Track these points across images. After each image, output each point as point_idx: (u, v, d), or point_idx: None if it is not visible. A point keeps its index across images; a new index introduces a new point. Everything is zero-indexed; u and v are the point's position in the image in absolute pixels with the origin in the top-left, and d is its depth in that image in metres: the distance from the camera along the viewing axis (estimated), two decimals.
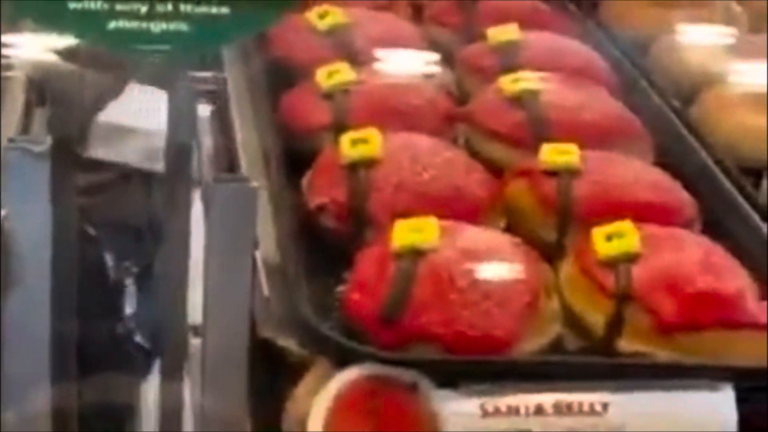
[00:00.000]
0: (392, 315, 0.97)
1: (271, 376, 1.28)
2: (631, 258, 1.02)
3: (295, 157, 1.19)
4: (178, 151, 1.19)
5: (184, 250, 1.15)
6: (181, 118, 1.09)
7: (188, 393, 1.25)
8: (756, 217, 1.17)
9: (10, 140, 1.02)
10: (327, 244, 1.10)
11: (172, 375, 1.25)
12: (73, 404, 1.20)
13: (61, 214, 1.03)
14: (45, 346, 1.03)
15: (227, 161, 1.12)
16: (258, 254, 1.03)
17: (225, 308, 1.01)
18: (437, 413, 0.94)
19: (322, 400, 0.94)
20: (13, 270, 1.05)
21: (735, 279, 1.02)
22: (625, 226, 1.04)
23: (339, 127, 1.17)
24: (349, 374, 0.95)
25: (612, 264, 1.01)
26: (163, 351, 1.39)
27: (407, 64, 1.32)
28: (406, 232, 1.01)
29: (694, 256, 1.03)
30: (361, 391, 0.94)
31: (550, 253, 1.09)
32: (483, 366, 0.95)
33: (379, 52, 1.32)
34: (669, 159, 1.24)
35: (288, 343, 1.00)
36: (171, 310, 1.20)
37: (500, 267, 1.00)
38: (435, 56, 1.36)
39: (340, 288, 1.04)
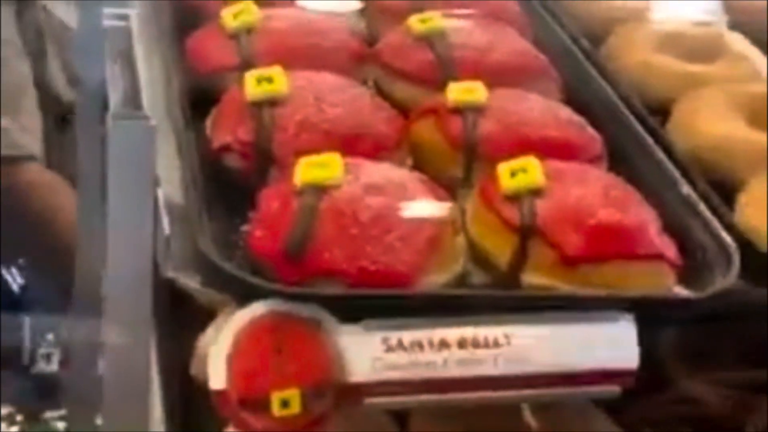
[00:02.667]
0: (295, 251, 0.96)
1: (180, 322, 1.28)
2: (534, 192, 1.02)
3: (200, 98, 1.17)
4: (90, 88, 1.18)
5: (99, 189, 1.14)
6: (89, 53, 1.07)
7: None
8: (662, 155, 1.18)
9: None
10: (231, 184, 1.09)
11: (85, 313, 1.25)
12: None
13: None
14: None
15: (130, 99, 1.11)
16: (160, 193, 1.02)
17: (126, 246, 0.99)
18: (341, 348, 0.94)
19: (224, 336, 0.94)
20: None
21: (637, 212, 1.03)
22: (530, 161, 1.04)
23: (245, 68, 1.15)
24: (252, 311, 0.94)
25: (516, 198, 1.01)
26: (77, 293, 1.39)
27: (315, 5, 1.31)
28: (309, 169, 1.00)
29: (598, 190, 1.04)
30: (264, 328, 0.93)
31: (456, 191, 1.09)
32: (385, 300, 0.95)
33: None
34: (577, 98, 1.24)
35: (191, 282, 0.99)
36: (86, 249, 1.19)
37: (404, 202, 1.00)
38: None
39: (245, 227, 1.04)
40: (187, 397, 1.22)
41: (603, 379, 0.97)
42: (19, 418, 1.85)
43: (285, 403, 0.92)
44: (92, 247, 1.52)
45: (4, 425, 1.86)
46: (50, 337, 1.90)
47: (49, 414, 1.87)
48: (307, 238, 0.97)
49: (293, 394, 0.92)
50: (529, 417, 1.14)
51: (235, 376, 0.92)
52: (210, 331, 1.21)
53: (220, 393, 0.93)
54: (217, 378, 0.93)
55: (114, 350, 1.04)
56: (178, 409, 1.21)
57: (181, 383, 1.25)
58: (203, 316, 1.25)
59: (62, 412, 1.85)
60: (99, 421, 1.70)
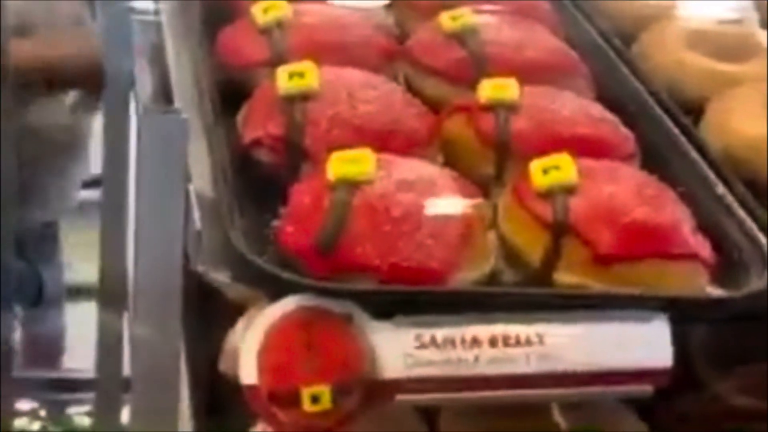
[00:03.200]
0: (327, 246, 0.96)
1: (211, 317, 1.27)
2: (568, 189, 1.01)
3: (231, 93, 1.17)
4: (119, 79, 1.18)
5: (124, 181, 1.14)
6: (119, 47, 1.07)
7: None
8: (695, 154, 1.17)
9: None
10: (262, 179, 1.09)
11: (111, 308, 1.24)
12: None
13: None
14: None
15: (161, 94, 1.11)
16: (191, 188, 1.01)
17: (157, 240, 0.99)
18: (372, 344, 0.93)
19: (255, 331, 0.93)
20: None
21: (671, 211, 1.02)
22: (563, 158, 1.03)
23: (275, 63, 1.15)
24: (283, 306, 0.94)
25: (549, 195, 1.01)
26: (102, 286, 1.39)
27: (345, 1, 1.31)
28: (342, 164, 1.00)
29: (631, 188, 1.03)
30: (295, 323, 0.93)
31: (488, 189, 1.08)
32: (418, 296, 0.95)
33: None
34: (609, 97, 1.23)
35: (221, 276, 0.98)
36: (111, 244, 1.19)
37: (436, 199, 0.99)
38: None
39: (276, 222, 1.03)
40: (215, 392, 1.22)
41: (636, 378, 0.96)
42: (42, 413, 1.86)
43: (315, 399, 0.91)
44: (115, 242, 1.52)
45: (26, 421, 1.86)
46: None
47: (73, 410, 1.87)
48: (338, 234, 0.96)
49: (324, 389, 0.91)
50: (558, 416, 1.13)
51: (265, 371, 0.92)
52: (239, 326, 1.21)
53: (251, 388, 0.92)
54: (247, 372, 0.92)
55: (143, 345, 1.04)
56: (206, 405, 1.20)
57: (210, 379, 1.24)
58: (232, 312, 1.24)
59: (87, 407, 1.85)
60: (124, 417, 1.70)
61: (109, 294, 1.50)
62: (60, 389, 1.88)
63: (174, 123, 0.99)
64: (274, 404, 0.92)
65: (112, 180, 1.51)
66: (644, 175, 1.07)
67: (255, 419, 1.17)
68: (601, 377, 0.95)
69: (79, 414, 1.86)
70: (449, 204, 0.99)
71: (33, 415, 1.86)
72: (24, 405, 1.83)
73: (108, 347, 1.66)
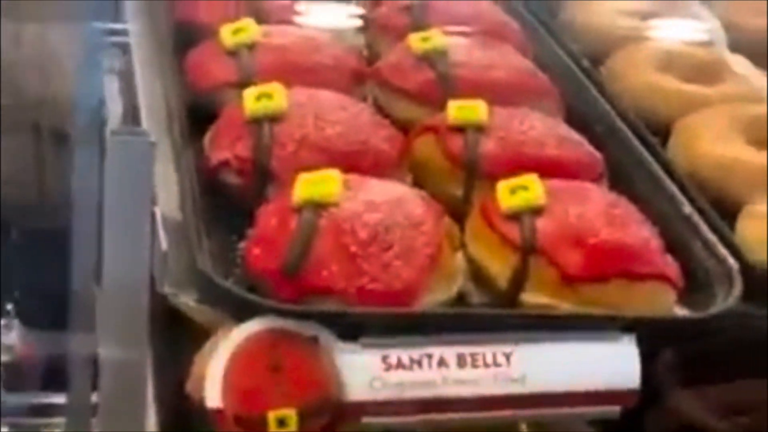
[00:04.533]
0: (293, 269, 0.95)
1: (178, 340, 1.26)
2: (535, 210, 1.01)
3: (198, 115, 1.17)
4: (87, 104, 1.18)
5: (94, 208, 1.13)
6: (87, 70, 1.07)
7: None
8: (662, 174, 1.17)
9: None
10: (229, 201, 1.08)
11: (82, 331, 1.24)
12: None
13: None
14: None
15: (128, 116, 1.10)
16: (157, 210, 1.01)
17: (123, 262, 0.98)
18: (339, 366, 0.93)
19: (221, 354, 0.93)
20: None
21: (639, 231, 1.02)
22: (530, 179, 1.03)
23: (243, 84, 1.15)
24: (249, 327, 0.93)
25: (516, 216, 1.01)
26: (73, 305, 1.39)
27: (316, 23, 1.31)
28: (308, 186, 1.00)
29: (599, 209, 1.03)
30: (261, 345, 0.92)
31: (456, 210, 1.08)
32: (384, 318, 0.94)
33: (288, 12, 1.31)
34: (578, 118, 1.23)
35: (187, 299, 0.98)
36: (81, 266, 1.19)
37: (403, 220, 0.99)
38: (345, 16, 1.35)
39: (242, 244, 1.03)
40: (182, 416, 1.21)
41: (603, 399, 0.96)
42: None
43: (282, 422, 0.91)
44: (86, 264, 1.52)
45: None
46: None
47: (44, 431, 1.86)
48: (304, 256, 0.96)
49: (290, 413, 0.91)
50: None
51: (231, 394, 0.91)
52: (206, 349, 1.20)
53: (217, 411, 0.92)
54: (213, 396, 0.92)
55: (110, 366, 1.03)
56: (173, 428, 1.19)
57: (176, 402, 1.24)
58: (200, 335, 1.24)
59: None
60: None
61: (79, 314, 1.50)
62: (33, 414, 1.87)
63: (140, 145, 0.99)
64: (240, 427, 0.91)
65: (82, 202, 1.51)
66: (612, 195, 1.07)
67: None
68: (569, 398, 0.95)
69: None
70: (416, 225, 0.99)
71: None
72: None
73: (79, 370, 1.66)
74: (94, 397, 1.63)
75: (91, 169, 1.42)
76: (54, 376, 1.83)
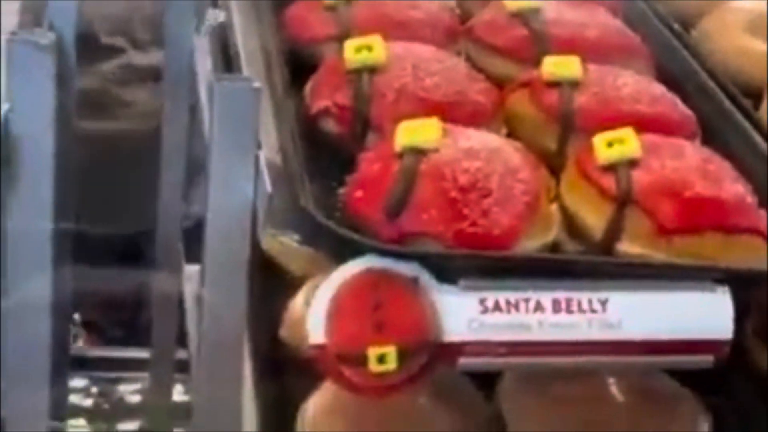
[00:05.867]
0: (394, 211, 0.97)
1: (269, 292, 1.29)
2: (631, 162, 1.02)
3: (297, 67, 1.20)
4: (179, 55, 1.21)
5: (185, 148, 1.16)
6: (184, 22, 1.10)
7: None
8: (756, 136, 1.18)
9: (13, 33, 1.02)
10: (327, 150, 1.11)
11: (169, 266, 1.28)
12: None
13: (63, 109, 1.03)
14: (47, 240, 1.04)
15: (229, 64, 1.13)
16: (261, 153, 1.04)
17: (228, 206, 1.01)
18: (437, 307, 0.95)
19: (324, 292, 0.95)
20: (14, 167, 1.06)
21: (734, 186, 1.03)
22: (626, 132, 1.04)
23: (341, 38, 1.17)
24: (352, 267, 0.95)
25: (612, 168, 1.02)
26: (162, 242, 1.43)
27: None
28: (409, 133, 1.02)
29: (694, 163, 1.04)
30: (363, 285, 0.94)
31: (549, 163, 1.10)
32: (484, 261, 0.96)
33: None
34: (669, 79, 1.24)
35: (290, 240, 1.00)
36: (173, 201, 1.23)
37: (501, 167, 1.01)
38: None
39: (342, 190, 1.05)
40: (275, 360, 1.24)
41: (697, 348, 0.97)
42: (94, 390, 1.88)
43: (382, 359, 0.93)
44: (172, 212, 1.55)
45: (78, 398, 1.88)
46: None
47: (123, 387, 1.89)
48: (406, 199, 0.98)
49: (390, 350, 0.93)
50: (615, 388, 1.15)
51: (333, 332, 0.93)
52: (301, 295, 1.23)
53: (319, 348, 0.94)
54: (316, 333, 0.94)
55: (210, 309, 1.05)
56: (266, 371, 1.22)
57: (269, 348, 1.27)
58: (290, 284, 1.27)
59: (137, 386, 1.88)
60: (176, 393, 1.73)
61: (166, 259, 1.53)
62: (112, 368, 1.91)
63: (246, 90, 1.01)
64: (341, 364, 0.94)
65: (170, 154, 1.54)
66: (707, 151, 1.08)
67: (313, 386, 1.19)
68: (663, 346, 0.96)
69: (130, 392, 1.89)
70: (514, 173, 1.01)
71: (86, 392, 1.89)
72: (77, 382, 1.86)
73: (163, 325, 1.70)
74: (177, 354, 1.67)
75: (180, 119, 1.46)
76: (137, 331, 1.87)
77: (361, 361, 0.93)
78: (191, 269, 1.55)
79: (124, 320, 1.99)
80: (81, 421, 1.82)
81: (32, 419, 1.08)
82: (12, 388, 1.06)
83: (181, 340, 1.57)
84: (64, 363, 1.48)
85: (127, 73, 2.02)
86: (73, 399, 1.82)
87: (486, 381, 1.18)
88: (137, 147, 1.88)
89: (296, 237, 0.99)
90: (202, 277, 1.06)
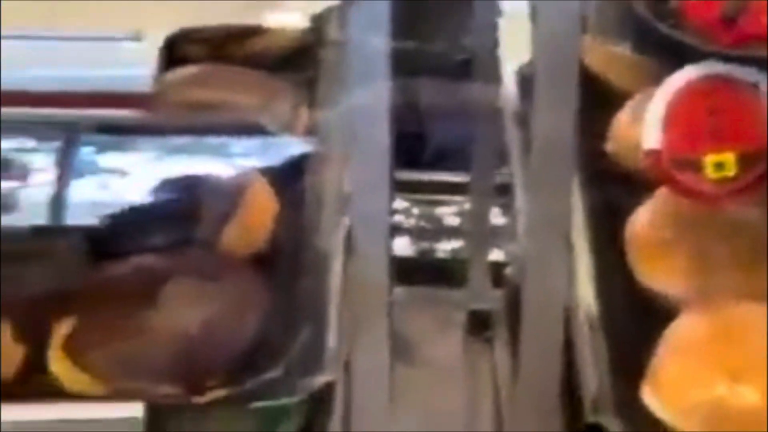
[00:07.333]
0: (732, 15, 0.95)
1: (593, 108, 1.28)
2: None
3: None
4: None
5: None
6: None
7: None
8: None
9: None
10: None
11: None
12: None
13: None
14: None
15: None
16: None
17: (556, 13, 1.01)
18: None
19: (660, 97, 0.94)
20: None
21: None
22: None
23: None
24: (688, 73, 0.94)
25: None
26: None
27: None
28: None
29: None
30: (701, 90, 0.93)
31: None
32: None
33: None
34: None
35: (622, 48, 1.00)
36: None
37: None
38: None
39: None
40: (601, 174, 1.25)
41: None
42: (415, 211, 1.94)
43: (719, 166, 0.92)
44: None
45: (401, 218, 1.93)
46: None
47: (441, 210, 1.94)
48: (744, 3, 0.95)
49: (728, 157, 0.92)
50: None
51: (670, 137, 0.93)
52: (628, 109, 1.22)
53: (653, 152, 0.94)
54: (651, 138, 0.94)
55: (541, 130, 1.06)
56: (593, 181, 1.23)
57: (595, 162, 1.27)
58: (615, 99, 1.26)
59: (455, 208, 1.92)
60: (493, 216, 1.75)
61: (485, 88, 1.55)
62: (432, 190, 1.95)
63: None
64: (676, 169, 0.93)
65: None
66: None
67: (640, 200, 1.19)
68: None
69: (448, 214, 1.94)
70: None
71: (407, 213, 1.95)
72: (399, 203, 1.92)
73: (484, 149, 1.72)
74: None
75: None
76: (458, 155, 1.89)
77: (697, 166, 0.93)
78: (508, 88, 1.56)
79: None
80: (405, 239, 1.89)
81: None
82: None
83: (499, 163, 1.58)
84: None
85: None
86: (397, 218, 1.88)
87: None
88: None
89: (628, 44, 0.99)
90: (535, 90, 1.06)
